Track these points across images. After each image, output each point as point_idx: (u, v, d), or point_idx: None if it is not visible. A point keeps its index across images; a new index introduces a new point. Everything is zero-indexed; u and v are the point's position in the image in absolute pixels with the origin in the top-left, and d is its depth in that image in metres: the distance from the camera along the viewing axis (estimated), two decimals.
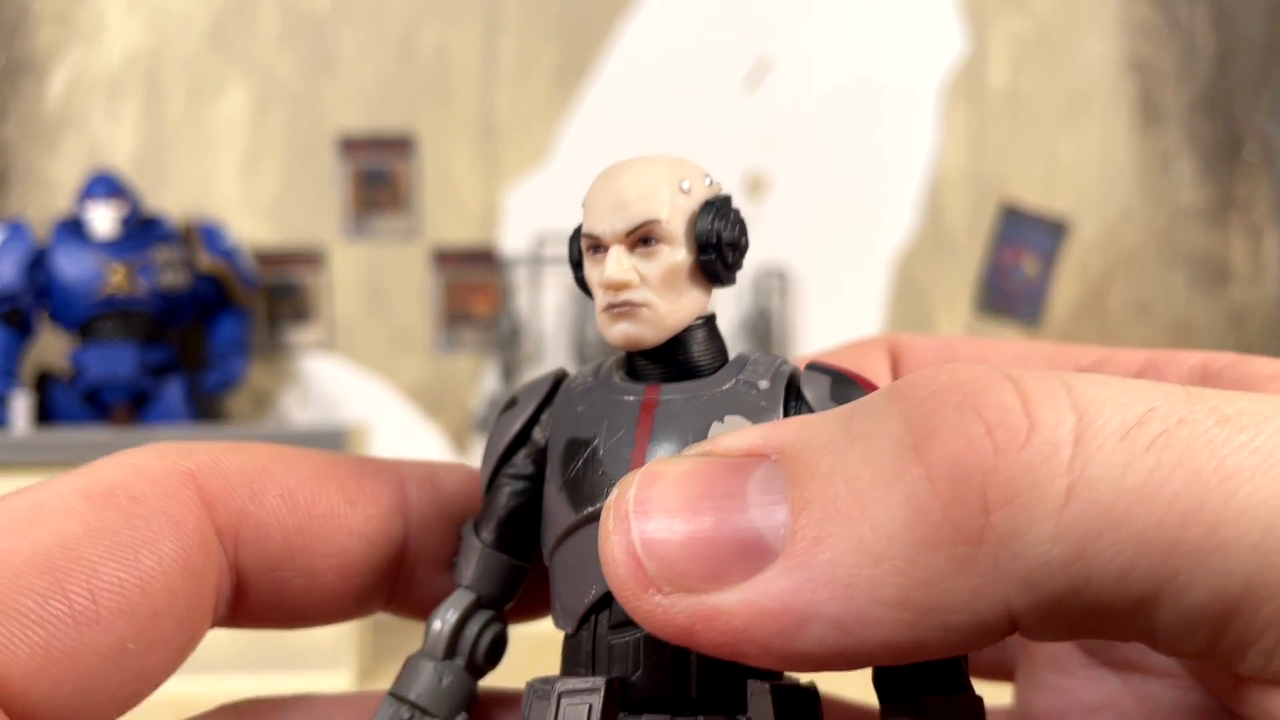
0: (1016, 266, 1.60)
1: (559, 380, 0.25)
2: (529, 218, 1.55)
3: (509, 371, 1.52)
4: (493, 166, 1.57)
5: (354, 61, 1.55)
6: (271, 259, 1.55)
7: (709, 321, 0.24)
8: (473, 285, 1.57)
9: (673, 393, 0.23)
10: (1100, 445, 0.16)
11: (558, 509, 0.23)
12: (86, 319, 1.37)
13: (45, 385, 1.39)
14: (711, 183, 0.24)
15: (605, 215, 0.23)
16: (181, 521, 0.22)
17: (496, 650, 0.25)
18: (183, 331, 1.45)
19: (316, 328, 1.56)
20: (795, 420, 0.19)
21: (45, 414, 1.37)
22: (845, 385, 0.23)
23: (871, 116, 1.58)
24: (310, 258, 1.56)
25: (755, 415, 0.22)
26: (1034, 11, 1.60)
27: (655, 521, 0.18)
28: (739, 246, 0.24)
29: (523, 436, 0.24)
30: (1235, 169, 1.62)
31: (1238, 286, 1.63)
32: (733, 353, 0.24)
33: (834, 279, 1.59)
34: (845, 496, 0.17)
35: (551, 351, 1.55)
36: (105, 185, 1.38)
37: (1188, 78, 1.61)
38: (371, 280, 1.57)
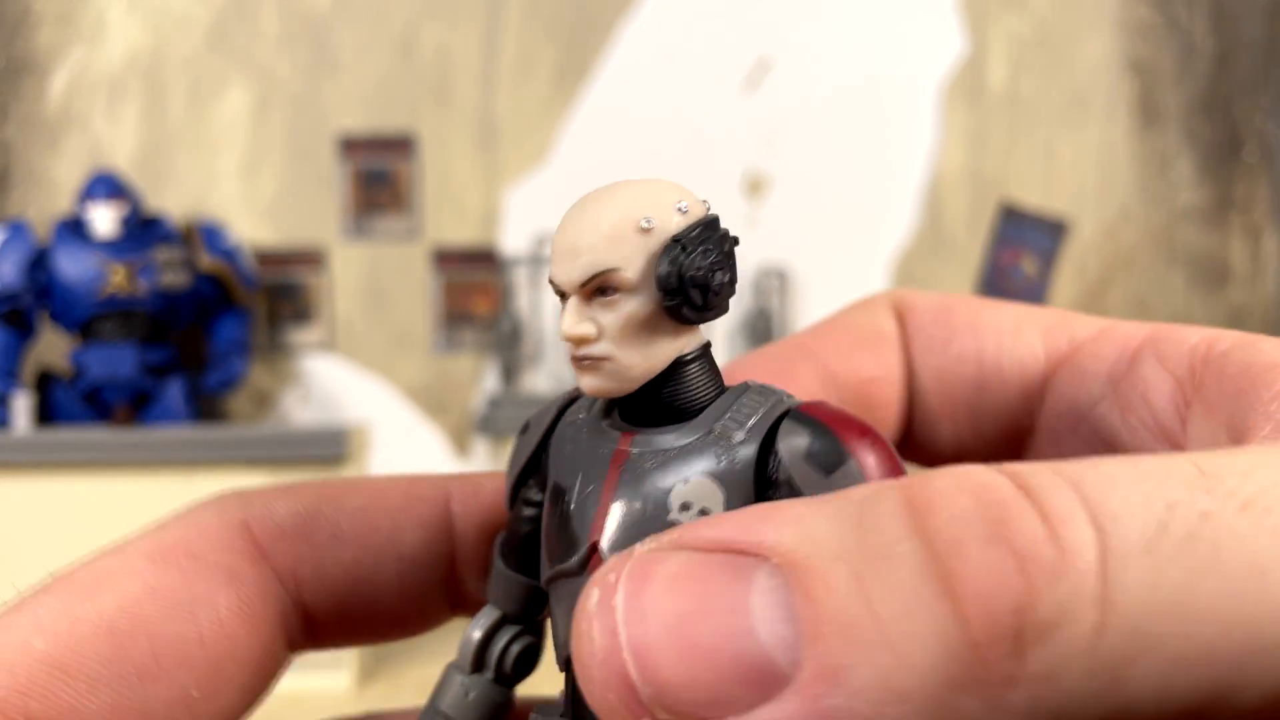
0: (1016, 266, 1.60)
1: (565, 407, 0.24)
2: (529, 218, 1.55)
3: (509, 371, 1.52)
4: (493, 167, 1.57)
5: (354, 62, 1.56)
6: (272, 259, 1.55)
7: (698, 357, 0.22)
8: (473, 285, 1.57)
9: (645, 444, 0.21)
10: (1125, 565, 0.15)
11: (544, 551, 0.22)
12: (87, 319, 1.37)
13: (46, 385, 1.39)
14: (686, 209, 0.21)
15: (560, 263, 0.21)
16: (238, 573, 0.23)
17: (526, 662, 0.25)
18: (183, 331, 1.45)
19: (317, 328, 1.56)
20: (793, 515, 0.17)
21: (46, 414, 1.37)
22: (826, 447, 0.20)
23: (871, 117, 1.59)
24: (311, 258, 1.56)
25: (725, 477, 0.21)
26: (1033, 12, 1.60)
27: (648, 636, 0.16)
28: (708, 285, 0.21)
29: (532, 465, 0.24)
30: (1234, 169, 1.62)
31: (1237, 286, 1.63)
32: (738, 369, 0.23)
33: (834, 279, 1.59)
34: (866, 624, 0.15)
35: (551, 352, 1.55)
36: (106, 185, 1.38)
37: (1187, 78, 1.61)
38: (372, 280, 1.57)
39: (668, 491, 0.21)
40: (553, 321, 1.55)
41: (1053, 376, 0.26)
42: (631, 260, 0.21)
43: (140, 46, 1.54)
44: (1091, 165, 1.61)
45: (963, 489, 0.16)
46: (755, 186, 1.58)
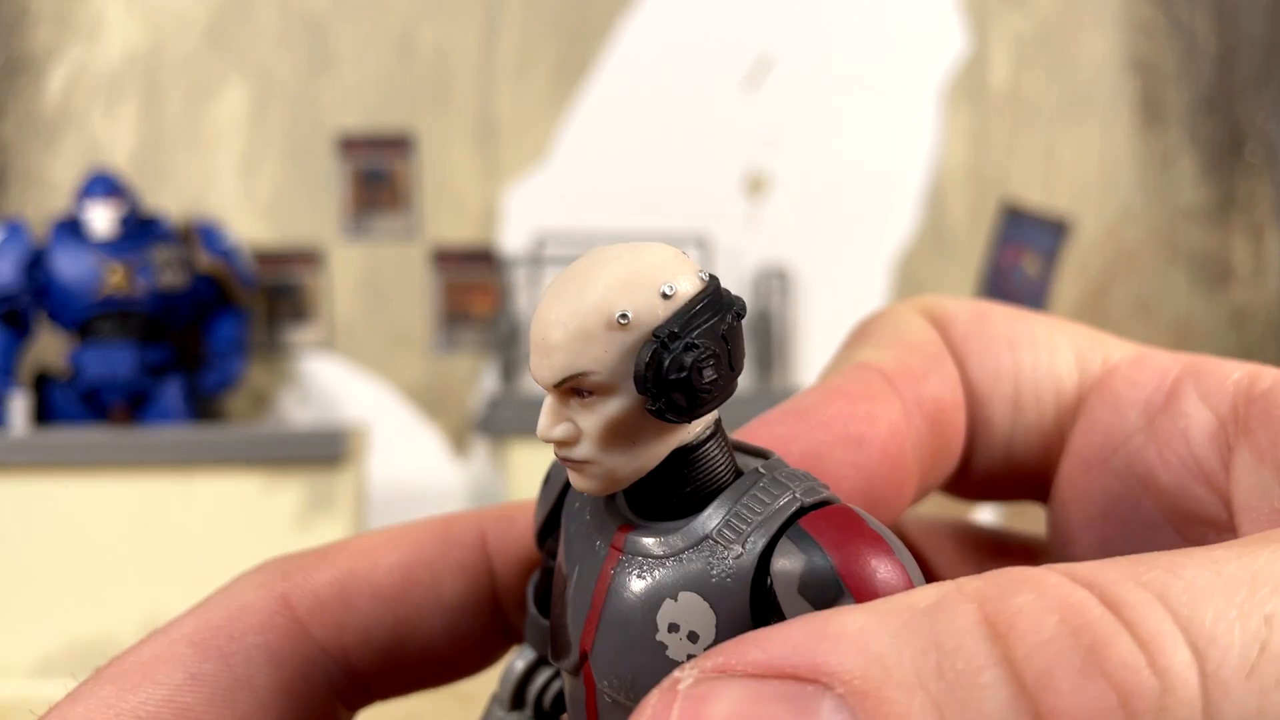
0: (1017, 266, 1.60)
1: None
2: (529, 217, 1.55)
3: (508, 371, 1.52)
4: (492, 166, 1.56)
5: (353, 61, 1.55)
6: (270, 259, 1.54)
7: (704, 441, 0.19)
8: (472, 285, 1.57)
9: (637, 546, 0.19)
10: (1227, 693, 0.14)
11: (550, 628, 0.22)
12: (85, 319, 1.37)
13: (44, 385, 1.38)
14: (671, 292, 0.19)
15: (534, 358, 0.19)
16: (278, 652, 0.23)
17: (564, 702, 0.23)
18: (181, 331, 1.45)
19: (316, 328, 1.56)
20: (855, 630, 0.15)
21: (44, 414, 1.37)
22: (821, 579, 0.18)
23: (873, 116, 1.58)
24: (309, 257, 1.55)
25: (717, 596, 0.18)
26: (1035, 11, 1.59)
27: None
28: (693, 386, 0.18)
29: (551, 521, 0.23)
30: (1236, 168, 1.62)
31: (1239, 286, 1.62)
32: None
33: (834, 279, 1.59)
34: None
35: None
36: (104, 185, 1.38)
37: (1189, 77, 1.61)
38: (371, 280, 1.56)
39: (655, 608, 0.19)
40: None
41: (1086, 400, 0.25)
42: (605, 361, 0.18)
43: (138, 45, 1.54)
44: (1093, 164, 1.61)
45: (1048, 609, 0.15)
46: (756, 186, 1.58)
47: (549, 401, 0.19)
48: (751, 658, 0.15)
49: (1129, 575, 0.15)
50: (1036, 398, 0.25)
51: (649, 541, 0.19)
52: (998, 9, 1.59)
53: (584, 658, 0.20)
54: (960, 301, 0.27)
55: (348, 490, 1.27)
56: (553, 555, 0.22)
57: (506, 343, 1.52)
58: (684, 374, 0.18)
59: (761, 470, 0.20)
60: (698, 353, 0.18)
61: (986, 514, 1.40)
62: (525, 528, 0.26)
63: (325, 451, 1.26)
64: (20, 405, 1.32)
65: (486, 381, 1.55)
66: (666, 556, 0.19)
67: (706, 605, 0.19)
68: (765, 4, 1.57)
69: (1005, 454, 0.26)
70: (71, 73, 1.53)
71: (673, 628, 0.19)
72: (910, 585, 0.18)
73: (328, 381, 1.56)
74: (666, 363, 0.18)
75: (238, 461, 1.25)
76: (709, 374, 0.18)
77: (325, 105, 1.55)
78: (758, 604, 0.18)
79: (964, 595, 0.15)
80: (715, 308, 0.19)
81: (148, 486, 1.25)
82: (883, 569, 0.18)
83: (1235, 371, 0.22)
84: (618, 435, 0.19)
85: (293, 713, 0.23)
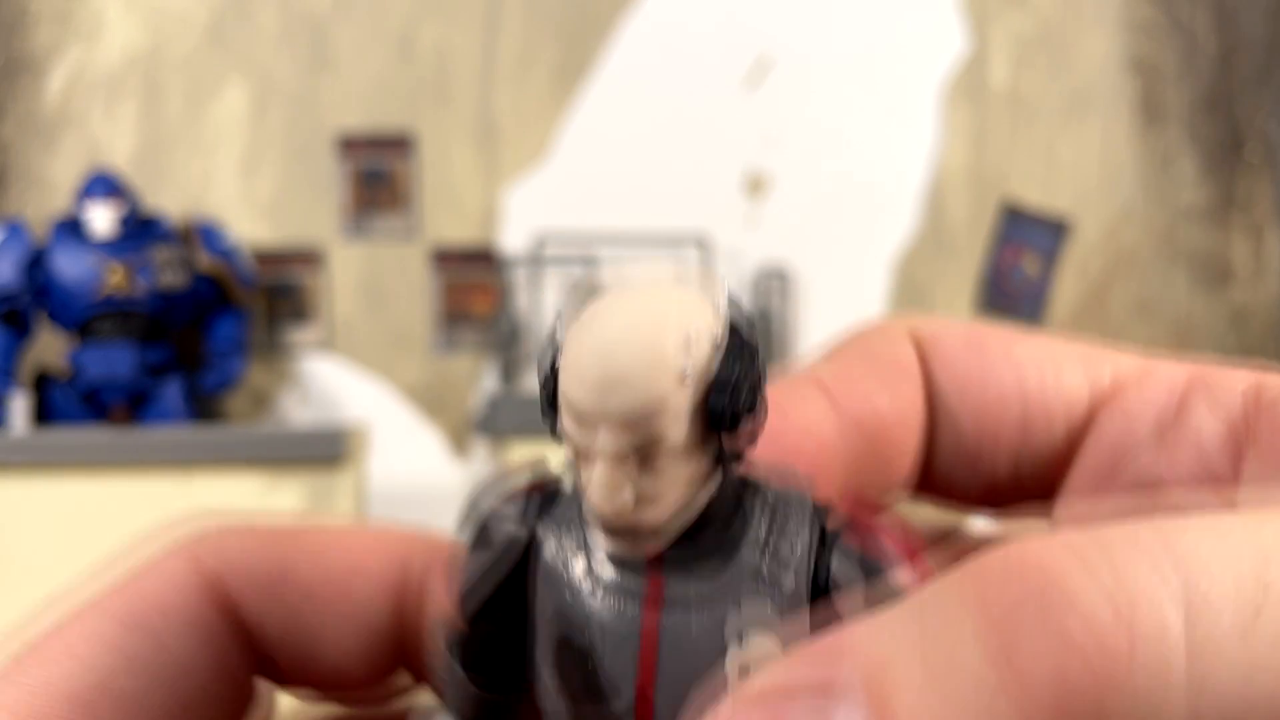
0: (1017, 266, 1.60)
1: (532, 530, 0.20)
2: (529, 218, 1.55)
3: (508, 371, 1.52)
4: (492, 166, 1.56)
5: (353, 61, 1.55)
6: (270, 259, 1.54)
7: (722, 480, 0.19)
8: (472, 285, 1.57)
9: (678, 587, 0.19)
10: (1218, 652, 0.14)
11: (554, 707, 0.19)
12: (85, 319, 1.37)
13: (44, 385, 1.38)
14: (716, 338, 0.18)
15: (588, 429, 0.18)
16: (213, 631, 0.22)
17: None
18: (181, 331, 1.45)
19: (316, 328, 1.56)
20: (866, 633, 0.16)
21: (44, 414, 1.37)
22: (882, 590, 0.19)
23: (873, 116, 1.58)
24: (309, 257, 1.55)
25: (784, 628, 0.18)
26: (1035, 11, 1.59)
27: None
28: (753, 431, 0.18)
29: (501, 595, 0.20)
30: (1236, 168, 1.62)
31: (1239, 286, 1.62)
32: None
33: (834, 279, 1.59)
34: None
35: None
36: (104, 185, 1.38)
37: (1189, 77, 1.61)
38: (371, 280, 1.57)
39: (720, 650, 0.18)
40: (552, 321, 1.55)
41: (1097, 416, 0.25)
42: (676, 421, 0.18)
43: (138, 45, 1.54)
44: (1093, 164, 1.61)
45: (1019, 568, 0.15)
46: (756, 186, 1.58)
47: (608, 468, 0.18)
48: (781, 681, 0.16)
49: (1122, 536, 0.15)
50: (1047, 417, 0.25)
51: (698, 588, 0.19)
52: (998, 9, 1.59)
53: None
54: (951, 323, 0.26)
55: (348, 490, 1.27)
56: (491, 622, 0.20)
57: (506, 343, 1.52)
58: (747, 420, 0.18)
59: (760, 490, 0.19)
60: (749, 397, 0.18)
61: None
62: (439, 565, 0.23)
63: (325, 452, 1.26)
64: (20, 405, 1.32)
65: (486, 382, 1.55)
66: (722, 597, 0.19)
67: (772, 639, 0.18)
68: (765, 4, 1.57)
69: (1013, 473, 0.26)
70: (71, 73, 1.53)
71: (743, 672, 0.18)
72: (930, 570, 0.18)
73: (328, 381, 1.56)
74: (738, 411, 0.18)
75: (238, 461, 1.25)
76: (760, 416, 0.19)
77: (325, 105, 1.55)
78: (819, 619, 0.19)
79: (953, 577, 0.16)
80: (747, 346, 0.19)
81: (148, 487, 1.25)
82: (917, 565, 0.18)
83: (1242, 381, 0.22)
84: (679, 486, 0.18)
85: (228, 694, 0.22)
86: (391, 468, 1.50)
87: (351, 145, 1.55)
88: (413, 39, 1.55)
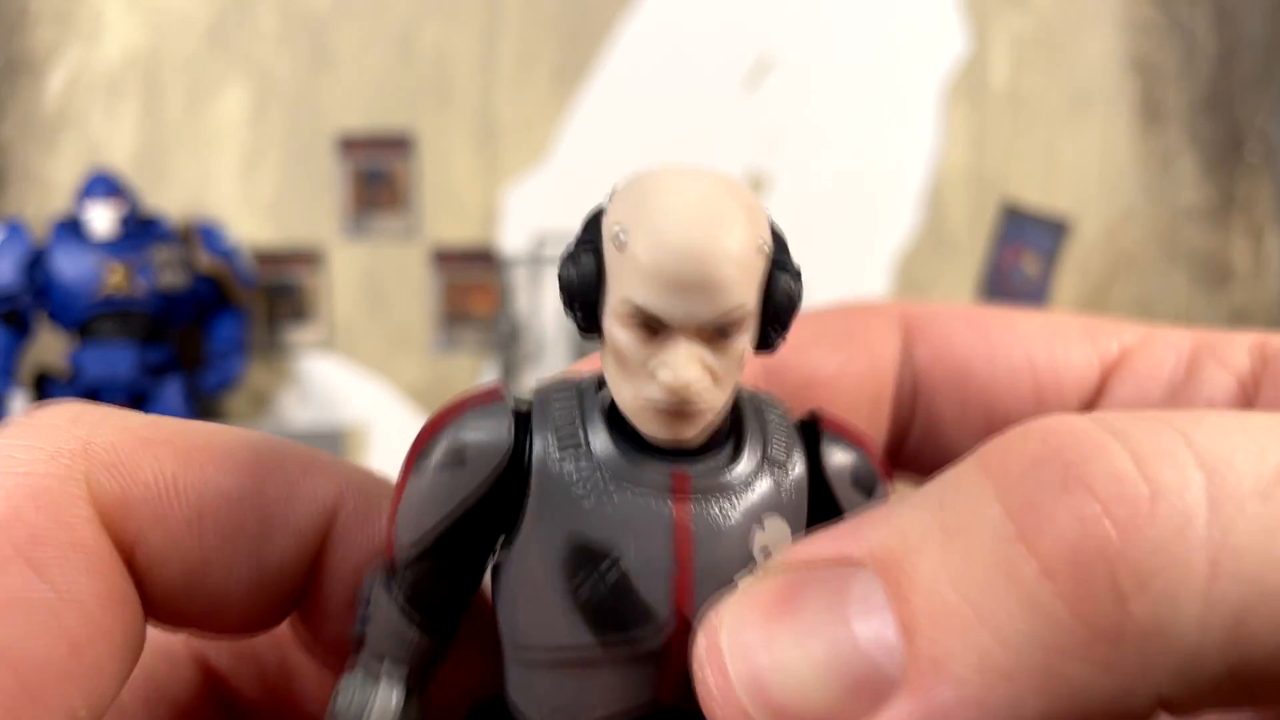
0: (1017, 266, 1.60)
1: (521, 437, 0.19)
2: (529, 217, 1.55)
3: (508, 371, 1.52)
4: (493, 166, 1.56)
5: (353, 61, 1.55)
6: (270, 259, 1.54)
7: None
8: (472, 285, 1.57)
9: (709, 484, 0.18)
10: (1239, 508, 0.14)
11: (559, 622, 0.18)
12: (85, 319, 1.37)
13: (44, 385, 1.38)
14: (771, 221, 0.18)
15: (681, 296, 0.17)
16: (95, 552, 0.18)
17: None
18: (181, 331, 1.45)
19: (316, 327, 1.56)
20: (885, 513, 0.16)
21: None
22: (865, 470, 0.19)
23: (873, 116, 1.58)
24: (309, 257, 1.55)
25: (787, 511, 0.19)
26: (1035, 11, 1.59)
27: (757, 668, 0.16)
28: (795, 317, 0.19)
29: (478, 509, 0.19)
30: (1236, 168, 1.62)
31: (1239, 286, 1.62)
32: None
33: (834, 279, 1.59)
34: (957, 605, 0.14)
35: (551, 352, 1.55)
36: (104, 185, 1.38)
37: (1189, 77, 1.61)
38: (371, 280, 1.57)
39: (750, 539, 0.18)
40: (553, 322, 1.55)
41: (1108, 382, 0.25)
42: (753, 294, 0.18)
43: (138, 45, 1.54)
44: (1093, 164, 1.61)
45: (1038, 435, 0.15)
46: (756, 186, 1.58)
47: (686, 344, 0.17)
48: (800, 556, 0.17)
49: (1150, 414, 0.15)
50: (1059, 389, 0.25)
51: (717, 477, 0.18)
52: (998, 9, 1.59)
53: (682, 625, 0.18)
54: (953, 306, 0.26)
55: None
56: (454, 553, 0.19)
57: (507, 343, 1.52)
58: (798, 304, 0.19)
59: (744, 391, 0.20)
60: (801, 286, 0.19)
61: None
62: (382, 523, 0.21)
63: (325, 451, 1.26)
64: (20, 405, 1.32)
65: (486, 381, 1.55)
66: (741, 487, 0.19)
67: (784, 522, 0.19)
68: (765, 4, 1.57)
69: None
70: (71, 73, 1.53)
71: (765, 553, 0.18)
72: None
73: (328, 381, 1.56)
74: (797, 290, 0.18)
75: None
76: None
77: (325, 105, 1.55)
78: (814, 508, 0.19)
79: (972, 456, 0.16)
80: (781, 239, 0.19)
81: None
82: (884, 457, 0.20)
83: (1246, 340, 0.23)
84: (737, 371, 0.18)
85: (121, 627, 0.18)
86: (391, 468, 1.49)
87: (351, 145, 1.55)
88: (413, 39, 1.55)
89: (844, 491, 0.19)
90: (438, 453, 0.19)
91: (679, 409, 0.18)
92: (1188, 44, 1.60)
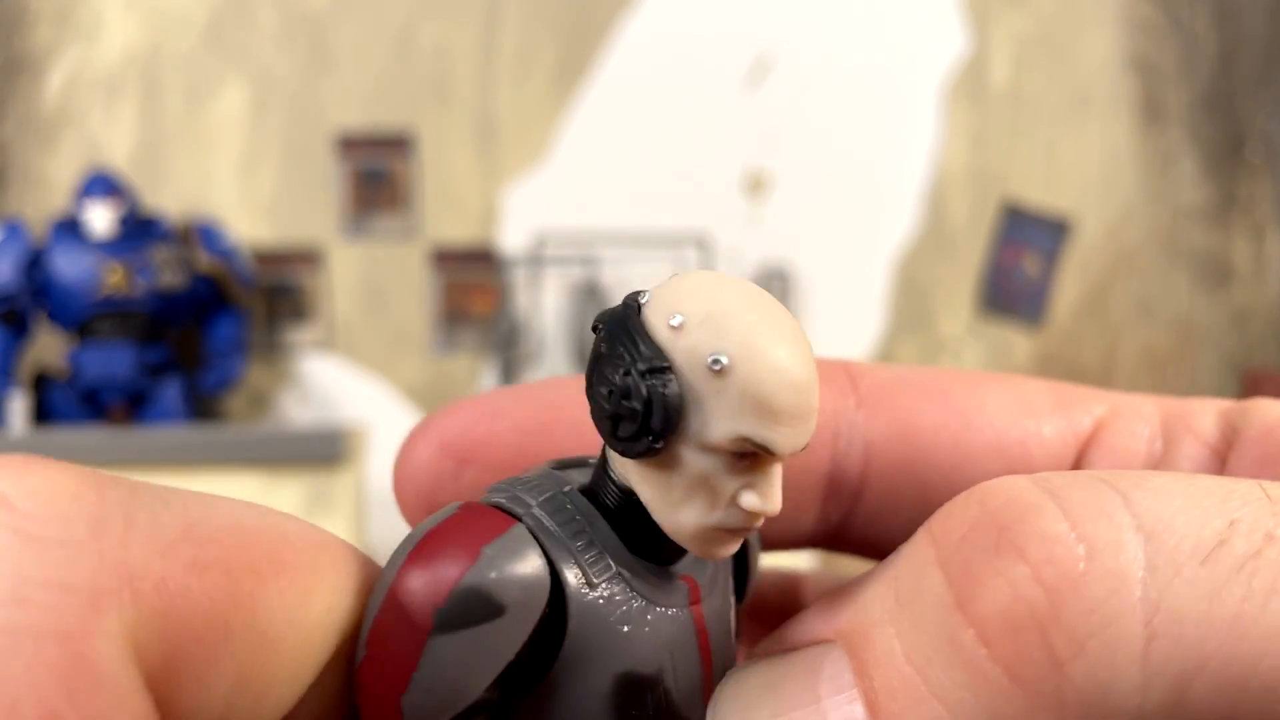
0: (1018, 266, 1.60)
1: (555, 575, 0.16)
2: (529, 217, 1.54)
3: (508, 371, 1.52)
4: (492, 166, 1.56)
5: (352, 60, 1.55)
6: (270, 258, 1.54)
7: None
8: (472, 285, 1.56)
9: (700, 579, 0.18)
10: (1177, 572, 0.14)
11: None
12: (84, 319, 1.36)
13: (43, 385, 1.38)
14: None
15: (794, 427, 0.16)
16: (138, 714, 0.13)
17: None
18: (180, 331, 1.45)
19: (315, 327, 1.56)
20: (849, 591, 0.16)
21: (43, 414, 1.37)
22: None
23: (873, 115, 1.58)
24: (309, 257, 1.55)
25: (729, 583, 0.19)
26: (1035, 10, 1.59)
27: None
28: None
29: (526, 659, 0.16)
30: (1237, 168, 1.61)
31: (1240, 286, 1.62)
32: None
33: (834, 279, 1.58)
34: (911, 677, 0.15)
35: (551, 352, 1.54)
36: (103, 184, 1.38)
37: (1189, 77, 1.61)
38: (370, 280, 1.56)
39: (731, 623, 0.19)
40: (552, 322, 1.55)
41: (1082, 461, 0.24)
42: None
43: (138, 45, 1.53)
44: (1094, 164, 1.60)
45: (976, 500, 0.15)
46: (756, 185, 1.58)
47: (779, 471, 0.16)
48: (786, 639, 0.17)
49: (1089, 473, 0.15)
50: (1030, 470, 0.23)
51: (707, 573, 0.19)
52: (998, 9, 1.59)
53: None
54: (907, 372, 0.24)
55: (347, 490, 1.27)
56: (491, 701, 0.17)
57: (507, 343, 1.52)
58: None
59: None
60: None
61: None
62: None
63: (325, 452, 1.26)
64: (19, 405, 1.32)
65: (486, 382, 1.55)
66: (714, 575, 0.19)
67: (733, 595, 0.19)
68: (765, 4, 1.57)
69: None
70: (71, 72, 1.53)
71: (736, 632, 0.19)
72: None
73: (327, 381, 1.56)
74: None
75: (237, 462, 1.25)
76: None
77: (325, 105, 1.55)
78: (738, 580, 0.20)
79: (923, 525, 0.16)
80: None
81: None
82: None
83: (1212, 407, 0.22)
84: None
85: None
86: (391, 468, 1.50)
87: (351, 145, 1.55)
88: (413, 39, 1.55)
89: (756, 554, 0.20)
90: (469, 606, 0.15)
91: (742, 531, 0.17)
92: (1188, 43, 1.60)
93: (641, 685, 0.17)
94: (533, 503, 0.17)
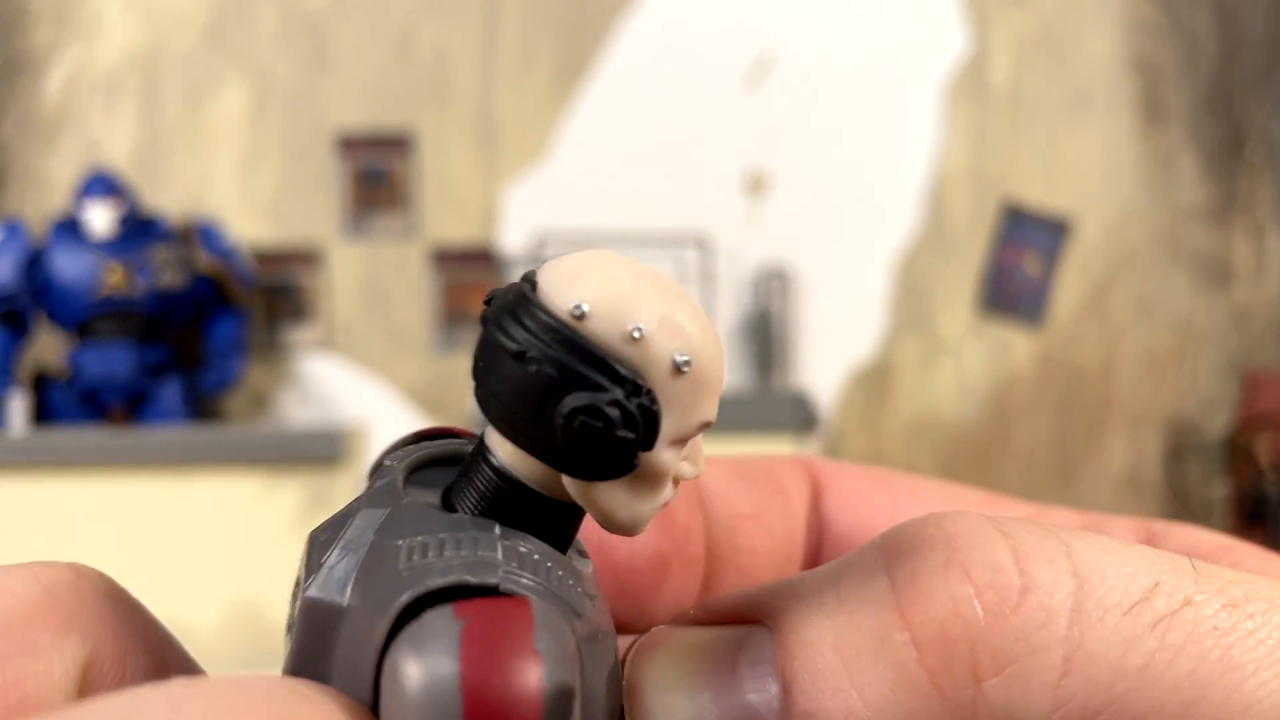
0: (1018, 266, 1.60)
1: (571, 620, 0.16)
2: (529, 217, 1.54)
3: None
4: (492, 165, 1.56)
5: (352, 60, 1.55)
6: (269, 258, 1.54)
7: None
8: (472, 285, 1.56)
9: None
10: (1101, 618, 0.15)
11: None
12: (84, 319, 1.36)
13: (42, 385, 1.38)
14: None
15: (714, 399, 0.16)
16: None
17: None
18: (180, 331, 1.45)
19: (315, 327, 1.56)
20: (788, 582, 0.17)
21: (42, 414, 1.37)
22: None
23: (873, 115, 1.58)
24: (308, 257, 1.55)
25: None
26: (1036, 10, 1.59)
27: (654, 705, 0.17)
28: None
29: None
30: (1238, 168, 1.61)
31: (1240, 286, 1.62)
32: None
33: (834, 279, 1.58)
34: (833, 666, 0.16)
35: None
36: (103, 184, 1.38)
37: (1190, 76, 1.61)
38: (370, 280, 1.56)
39: None
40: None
41: None
42: None
43: (137, 44, 1.53)
44: (1094, 164, 1.60)
45: (934, 522, 0.17)
46: (756, 185, 1.58)
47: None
48: (717, 609, 0.18)
49: (1041, 525, 0.16)
50: None
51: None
52: (998, 9, 1.59)
53: None
54: (854, 465, 0.26)
55: (347, 490, 1.27)
56: None
57: None
58: None
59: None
60: None
61: None
62: None
63: (324, 452, 1.26)
64: (19, 405, 1.32)
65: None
66: None
67: None
68: (765, 4, 1.57)
69: None
70: (70, 72, 1.53)
71: None
72: None
73: (327, 381, 1.56)
74: None
75: (237, 462, 1.25)
76: None
77: (324, 105, 1.55)
78: None
79: (876, 537, 0.17)
80: None
81: (146, 487, 1.25)
82: None
83: (1127, 525, 0.23)
84: None
85: None
86: None
87: (351, 145, 1.55)
88: (412, 39, 1.55)
89: None
90: (561, 708, 0.14)
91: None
92: (1189, 43, 1.60)
93: (617, 681, 0.17)
94: (499, 561, 0.16)
